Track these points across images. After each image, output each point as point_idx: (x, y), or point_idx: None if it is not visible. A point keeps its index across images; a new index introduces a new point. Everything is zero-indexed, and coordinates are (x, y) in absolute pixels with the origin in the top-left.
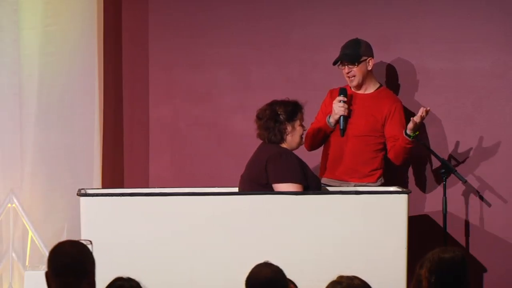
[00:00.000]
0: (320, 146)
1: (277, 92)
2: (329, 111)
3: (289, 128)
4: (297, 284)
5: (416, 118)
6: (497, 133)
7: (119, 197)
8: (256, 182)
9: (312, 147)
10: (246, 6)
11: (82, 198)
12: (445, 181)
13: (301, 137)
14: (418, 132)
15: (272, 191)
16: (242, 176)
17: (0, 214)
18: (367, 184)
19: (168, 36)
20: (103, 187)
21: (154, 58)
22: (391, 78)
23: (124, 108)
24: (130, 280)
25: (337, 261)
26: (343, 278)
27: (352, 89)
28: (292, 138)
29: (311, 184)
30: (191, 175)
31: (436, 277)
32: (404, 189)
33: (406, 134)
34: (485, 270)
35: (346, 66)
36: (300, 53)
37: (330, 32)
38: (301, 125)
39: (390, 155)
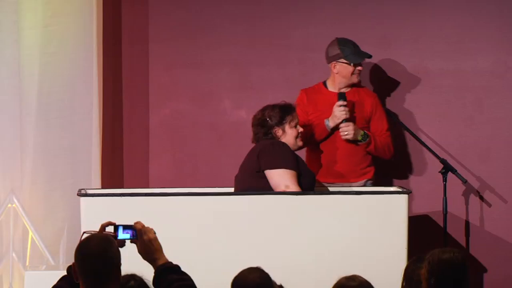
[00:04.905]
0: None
1: (277, 92)
2: (310, 110)
3: (279, 132)
4: (297, 284)
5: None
6: (497, 133)
7: (119, 197)
8: (249, 173)
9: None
10: (246, 6)
11: (82, 198)
12: (445, 181)
13: (296, 140)
14: (363, 134)
15: (272, 191)
16: (236, 177)
17: (0, 214)
18: (365, 182)
19: (168, 36)
20: (103, 187)
21: (154, 58)
22: (391, 78)
23: (124, 108)
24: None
25: (337, 261)
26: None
27: (342, 89)
28: (286, 141)
29: (305, 175)
30: (191, 175)
31: (435, 279)
32: (404, 189)
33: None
34: (485, 270)
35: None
36: (300, 53)
37: (330, 32)
38: (294, 127)
39: None
